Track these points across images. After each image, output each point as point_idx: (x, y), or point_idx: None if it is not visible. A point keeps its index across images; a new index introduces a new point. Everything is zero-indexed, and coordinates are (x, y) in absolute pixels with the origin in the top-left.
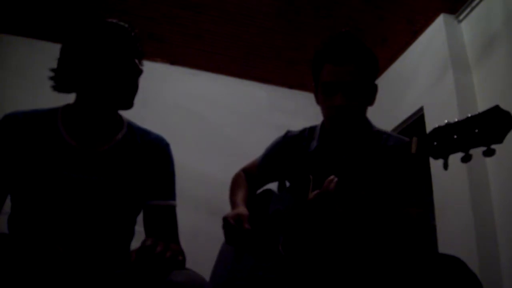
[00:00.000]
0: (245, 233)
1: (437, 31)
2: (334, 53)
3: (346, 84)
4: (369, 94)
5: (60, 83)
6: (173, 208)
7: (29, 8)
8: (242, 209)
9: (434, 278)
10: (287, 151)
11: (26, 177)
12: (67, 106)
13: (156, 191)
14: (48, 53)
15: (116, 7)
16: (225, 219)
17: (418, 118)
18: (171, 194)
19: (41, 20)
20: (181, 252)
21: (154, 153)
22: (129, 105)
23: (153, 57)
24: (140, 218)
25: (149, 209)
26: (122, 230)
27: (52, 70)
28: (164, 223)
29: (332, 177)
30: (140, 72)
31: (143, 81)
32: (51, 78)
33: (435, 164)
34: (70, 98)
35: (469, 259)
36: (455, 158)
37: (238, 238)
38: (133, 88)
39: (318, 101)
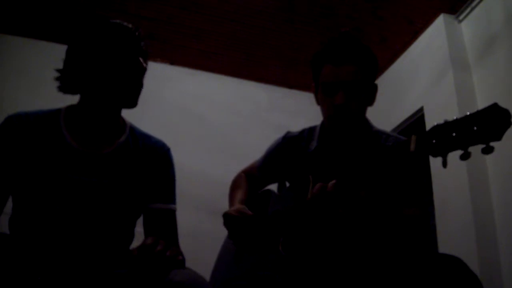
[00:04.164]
0: (249, 220)
1: (437, 31)
2: (333, 54)
3: (346, 83)
4: (369, 94)
5: (66, 83)
6: (173, 212)
7: (29, 8)
8: (240, 205)
9: (434, 278)
10: (287, 152)
11: (28, 178)
12: (70, 107)
13: (157, 195)
14: (48, 54)
15: (116, 7)
16: (226, 214)
17: (418, 118)
18: (172, 198)
19: (42, 20)
20: (181, 253)
21: (155, 158)
22: (133, 103)
23: (153, 57)
24: (139, 220)
25: (149, 212)
26: (122, 232)
27: (58, 70)
28: (164, 227)
29: (332, 181)
30: (144, 70)
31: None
32: (57, 78)
33: (435, 164)
34: (71, 98)
35: (469, 259)
36: (455, 158)
37: (242, 229)
38: (138, 86)
39: (318, 101)
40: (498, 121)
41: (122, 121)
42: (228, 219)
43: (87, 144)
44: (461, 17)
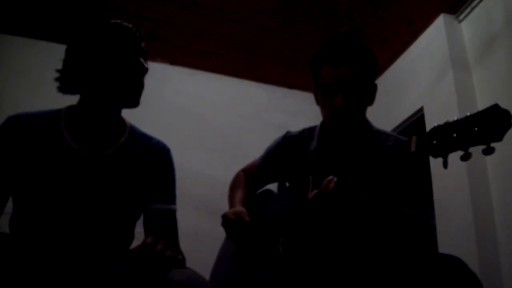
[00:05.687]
0: (246, 226)
1: (437, 31)
2: (333, 55)
3: (346, 84)
4: (369, 94)
5: (65, 84)
6: (173, 213)
7: (30, 8)
8: (240, 208)
9: (434, 278)
10: (286, 151)
11: (28, 179)
12: (70, 107)
13: (157, 195)
14: (48, 54)
15: (116, 7)
16: (224, 216)
17: (418, 118)
18: (172, 199)
19: (42, 20)
20: (181, 253)
21: (156, 158)
22: (135, 103)
23: (153, 57)
24: (139, 221)
25: (149, 213)
26: (122, 233)
27: (58, 71)
28: (165, 227)
29: (331, 177)
30: (145, 70)
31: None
32: (57, 79)
33: (435, 164)
34: (71, 98)
35: (469, 259)
36: (455, 158)
37: (240, 232)
38: (139, 86)
39: (318, 102)
40: (498, 122)
41: (122, 121)
42: (226, 221)
43: (87, 145)
44: (461, 17)
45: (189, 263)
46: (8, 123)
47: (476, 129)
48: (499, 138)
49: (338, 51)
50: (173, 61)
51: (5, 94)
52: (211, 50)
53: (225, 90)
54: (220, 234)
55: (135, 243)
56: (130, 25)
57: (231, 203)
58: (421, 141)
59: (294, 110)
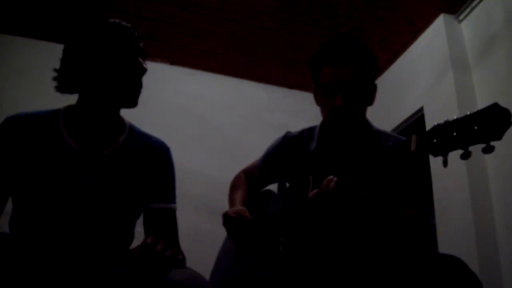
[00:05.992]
0: (248, 224)
1: (437, 31)
2: (333, 55)
3: (346, 84)
4: (369, 94)
5: (63, 83)
6: (173, 212)
7: (30, 8)
8: (240, 207)
9: (434, 278)
10: (286, 152)
11: (28, 179)
12: (69, 107)
13: (157, 194)
14: (48, 54)
15: (116, 7)
16: (226, 215)
17: (418, 118)
18: (172, 198)
19: (42, 20)
20: (181, 252)
21: (155, 157)
22: (133, 103)
23: (153, 57)
24: (139, 220)
25: (149, 212)
26: (122, 233)
27: (56, 70)
28: (165, 226)
29: (331, 176)
30: (144, 70)
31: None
32: (54, 78)
33: (435, 164)
34: (71, 98)
35: (469, 259)
36: (455, 158)
37: (241, 230)
38: (138, 87)
39: (318, 102)
40: (498, 121)
41: (122, 120)
42: (227, 220)
43: (86, 145)
44: (461, 17)
45: (189, 263)
46: (7, 123)
47: (476, 127)
48: (499, 137)
49: (338, 51)
50: (173, 61)
51: (5, 94)
52: (211, 50)
53: (225, 90)
54: (220, 234)
55: (135, 243)
56: (129, 25)
57: (231, 203)
58: (421, 140)
59: (294, 110)
